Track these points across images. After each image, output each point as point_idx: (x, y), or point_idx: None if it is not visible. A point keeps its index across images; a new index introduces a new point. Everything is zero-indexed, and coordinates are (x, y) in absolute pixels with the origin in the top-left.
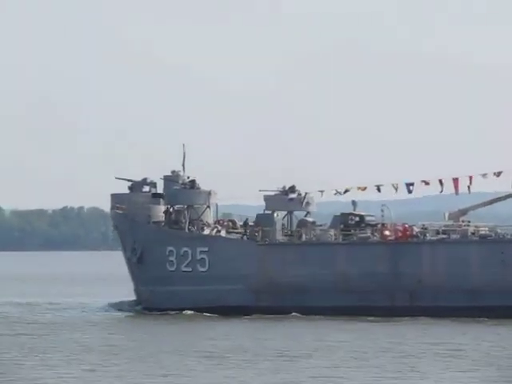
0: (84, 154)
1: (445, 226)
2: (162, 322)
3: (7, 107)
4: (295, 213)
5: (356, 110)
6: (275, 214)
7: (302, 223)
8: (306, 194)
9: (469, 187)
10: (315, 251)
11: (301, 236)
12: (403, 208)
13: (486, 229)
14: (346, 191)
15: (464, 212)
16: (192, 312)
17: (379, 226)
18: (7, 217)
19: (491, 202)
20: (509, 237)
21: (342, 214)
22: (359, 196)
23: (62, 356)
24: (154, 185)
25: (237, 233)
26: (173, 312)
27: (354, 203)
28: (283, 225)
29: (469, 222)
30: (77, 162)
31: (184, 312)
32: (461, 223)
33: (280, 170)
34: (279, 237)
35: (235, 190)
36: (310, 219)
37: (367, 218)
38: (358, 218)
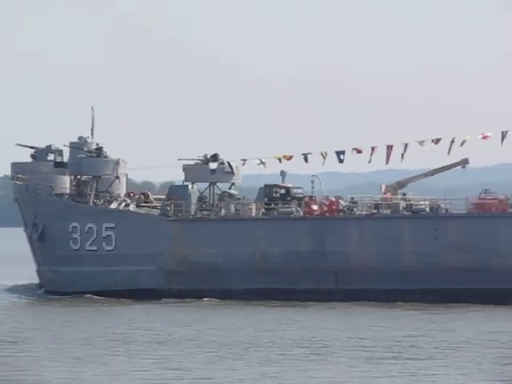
0: None
1: (376, 199)
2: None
3: None
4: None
5: (279, 68)
6: (190, 186)
7: (222, 196)
8: (228, 162)
9: (402, 155)
10: (233, 228)
11: (219, 211)
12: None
13: (427, 203)
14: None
15: (403, 184)
16: (95, 296)
17: (306, 199)
18: None
19: (433, 173)
20: (443, 212)
21: (266, 186)
22: (289, 167)
23: None
24: (59, 152)
25: (149, 207)
26: (74, 296)
27: (282, 174)
28: (205, 198)
29: (404, 194)
30: None
31: (87, 296)
32: (392, 197)
33: (200, 136)
34: (194, 211)
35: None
36: (233, 192)
37: (294, 191)
38: (283, 191)
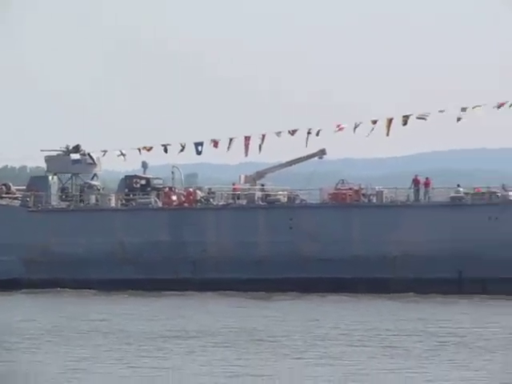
0: None
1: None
2: None
3: None
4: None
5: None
6: (50, 177)
7: (83, 187)
8: (89, 154)
9: (260, 146)
10: (92, 218)
11: (80, 202)
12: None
13: (285, 193)
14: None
15: (262, 174)
16: None
17: (166, 189)
18: None
19: (290, 164)
20: (298, 202)
21: (127, 177)
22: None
23: None
24: None
25: (10, 198)
26: None
27: (144, 165)
28: (66, 189)
29: (262, 185)
30: None
31: None
32: (242, 187)
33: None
34: (55, 202)
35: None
36: (94, 183)
37: (154, 182)
38: (143, 182)
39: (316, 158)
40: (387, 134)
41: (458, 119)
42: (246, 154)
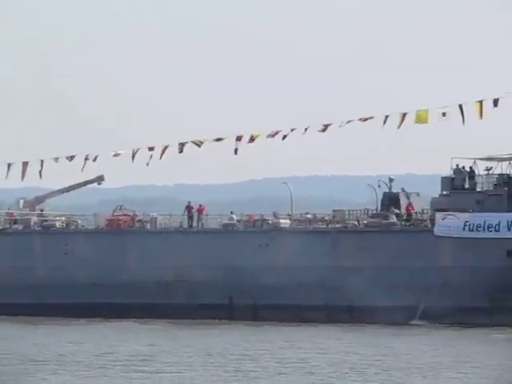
0: None
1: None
2: None
3: None
4: None
5: None
6: None
7: None
8: None
9: (40, 172)
10: None
11: None
12: None
13: (63, 218)
14: None
15: (41, 200)
16: None
17: None
18: None
19: (68, 190)
20: (73, 227)
21: None
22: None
23: None
24: None
25: None
26: None
27: None
28: None
29: (42, 210)
30: None
31: None
32: (26, 212)
33: None
34: None
35: None
36: None
37: None
38: None
39: (95, 184)
40: (160, 158)
41: (236, 150)
42: (22, 179)
